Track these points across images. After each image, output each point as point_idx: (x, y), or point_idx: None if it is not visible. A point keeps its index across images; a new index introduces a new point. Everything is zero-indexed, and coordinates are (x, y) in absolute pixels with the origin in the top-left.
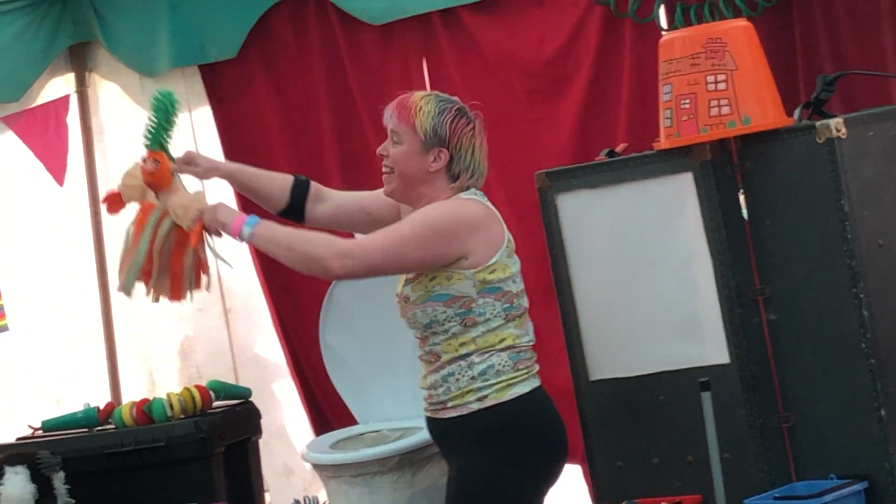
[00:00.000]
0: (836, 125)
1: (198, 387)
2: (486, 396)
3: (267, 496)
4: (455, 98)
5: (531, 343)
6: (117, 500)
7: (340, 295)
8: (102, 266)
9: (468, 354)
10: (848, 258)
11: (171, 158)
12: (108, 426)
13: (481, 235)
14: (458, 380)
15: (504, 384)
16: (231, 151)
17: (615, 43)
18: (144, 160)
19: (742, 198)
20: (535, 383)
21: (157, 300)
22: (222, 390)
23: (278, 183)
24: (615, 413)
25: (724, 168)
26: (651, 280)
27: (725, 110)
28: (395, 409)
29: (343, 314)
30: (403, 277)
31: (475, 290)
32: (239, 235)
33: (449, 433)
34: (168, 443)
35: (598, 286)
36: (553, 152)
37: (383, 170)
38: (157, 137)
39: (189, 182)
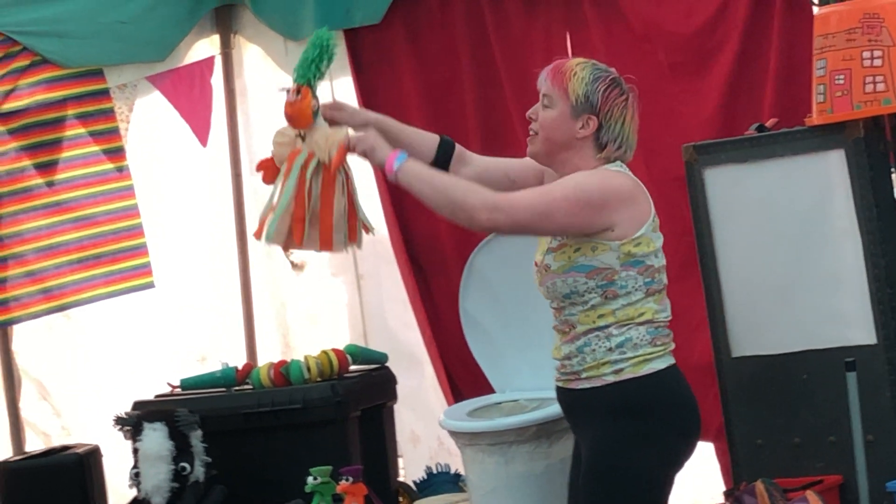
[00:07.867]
0: None
1: (335, 350)
2: (622, 370)
3: (400, 461)
4: (612, 69)
5: (668, 319)
6: (253, 460)
7: (482, 262)
8: (242, 227)
9: (606, 326)
10: None
11: (316, 97)
12: (246, 386)
13: (630, 208)
14: (594, 350)
15: (641, 359)
16: None
17: (764, 16)
18: (288, 91)
19: (894, 176)
20: (670, 360)
21: (301, 248)
22: (359, 354)
23: (426, 140)
24: (756, 390)
25: (876, 145)
26: (798, 257)
27: (881, 87)
28: (532, 379)
29: (483, 282)
30: (545, 246)
31: (619, 262)
32: (391, 166)
33: (580, 404)
34: (305, 405)
35: (743, 262)
36: (696, 127)
37: (529, 132)
38: (306, 72)
39: None
